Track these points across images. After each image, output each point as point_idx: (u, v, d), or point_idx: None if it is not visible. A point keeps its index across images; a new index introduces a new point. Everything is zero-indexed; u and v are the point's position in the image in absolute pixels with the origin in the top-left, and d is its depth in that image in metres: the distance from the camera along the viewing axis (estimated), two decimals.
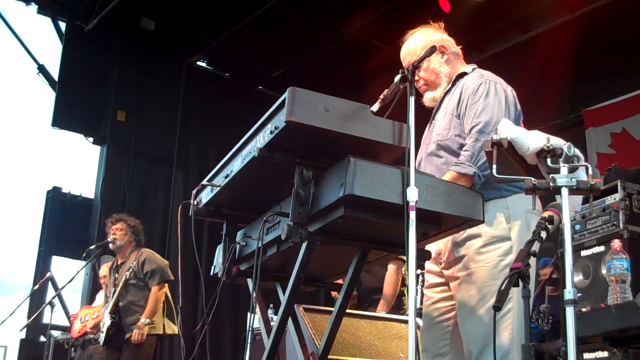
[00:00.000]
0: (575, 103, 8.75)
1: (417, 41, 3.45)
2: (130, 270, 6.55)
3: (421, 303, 3.81)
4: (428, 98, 3.49)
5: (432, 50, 3.01)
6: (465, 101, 3.22)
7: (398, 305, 5.89)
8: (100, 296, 7.47)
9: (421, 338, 3.38)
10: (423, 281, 3.57)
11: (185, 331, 6.37)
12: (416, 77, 3.41)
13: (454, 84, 3.40)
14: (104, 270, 7.37)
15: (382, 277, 5.95)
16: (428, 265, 3.37)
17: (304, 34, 9.73)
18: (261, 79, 11.09)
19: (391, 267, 5.89)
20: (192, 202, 3.51)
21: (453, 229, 2.88)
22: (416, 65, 2.89)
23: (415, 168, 2.60)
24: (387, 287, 5.89)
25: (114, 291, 6.58)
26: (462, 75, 3.39)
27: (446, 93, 3.42)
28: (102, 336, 6.56)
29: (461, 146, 3.17)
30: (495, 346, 2.67)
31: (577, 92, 8.73)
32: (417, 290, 4.06)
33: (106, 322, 6.54)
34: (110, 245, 6.90)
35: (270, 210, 2.99)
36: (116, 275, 6.71)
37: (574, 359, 2.28)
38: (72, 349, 7.30)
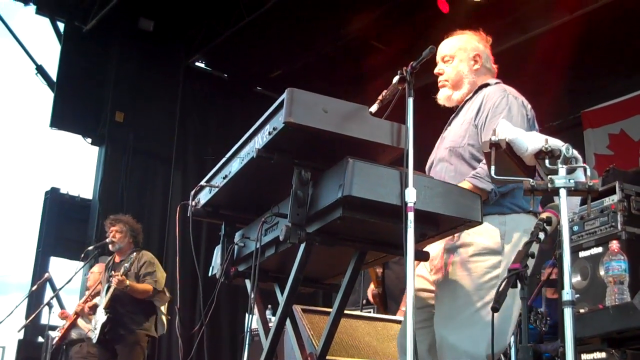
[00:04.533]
0: (574, 104, 8.76)
1: (457, 41, 3.45)
2: (127, 268, 6.48)
3: None
4: (443, 96, 3.45)
5: (430, 50, 2.99)
6: (486, 113, 3.17)
7: None
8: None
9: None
10: None
11: (183, 332, 6.35)
12: (440, 70, 3.44)
13: (475, 93, 3.36)
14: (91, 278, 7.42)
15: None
16: (419, 269, 3.32)
17: (303, 34, 9.72)
18: (260, 80, 11.08)
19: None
20: (190, 203, 3.50)
21: (451, 230, 2.87)
22: (415, 67, 2.88)
23: (413, 170, 2.59)
24: None
25: (108, 287, 6.54)
26: (485, 86, 3.36)
27: (466, 102, 3.38)
28: (96, 333, 6.49)
29: (472, 156, 3.15)
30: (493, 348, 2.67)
31: (575, 93, 8.74)
32: None
33: (100, 319, 6.47)
34: (110, 247, 6.90)
35: (269, 211, 2.99)
36: (112, 272, 6.69)
37: None
38: (61, 354, 7.34)
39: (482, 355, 2.91)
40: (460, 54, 3.39)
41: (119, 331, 6.48)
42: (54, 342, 7.26)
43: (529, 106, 3.24)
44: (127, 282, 6.34)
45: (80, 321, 7.19)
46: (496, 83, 3.38)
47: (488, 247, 3.04)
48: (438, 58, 3.46)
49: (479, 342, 2.92)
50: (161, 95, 10.26)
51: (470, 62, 3.42)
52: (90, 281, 7.44)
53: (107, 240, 6.89)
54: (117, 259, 6.90)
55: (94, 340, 6.53)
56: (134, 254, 6.73)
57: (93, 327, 6.60)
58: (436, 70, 3.46)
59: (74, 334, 7.17)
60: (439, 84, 3.48)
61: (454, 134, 3.30)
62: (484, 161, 3.05)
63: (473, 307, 2.97)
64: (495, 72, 3.50)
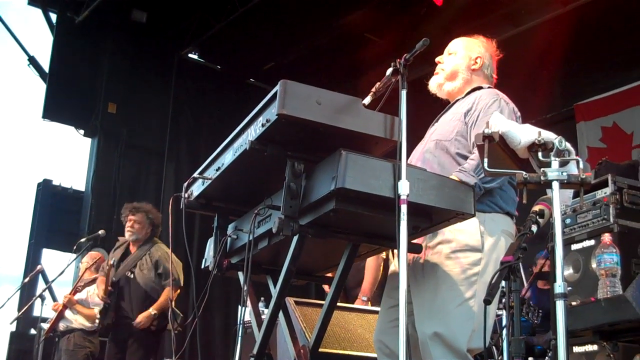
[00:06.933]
0: (567, 97, 8.76)
1: (465, 41, 3.53)
2: (143, 264, 6.40)
3: None
4: (434, 83, 3.51)
5: (424, 43, 2.98)
6: (477, 112, 3.20)
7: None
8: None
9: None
10: None
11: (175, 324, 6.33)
12: (440, 60, 3.52)
13: (468, 94, 3.40)
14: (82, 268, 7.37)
15: (360, 269, 5.81)
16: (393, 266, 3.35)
17: (296, 26, 9.70)
18: (253, 72, 11.06)
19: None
20: (183, 195, 3.50)
21: (444, 222, 2.88)
22: (408, 59, 2.87)
23: (406, 162, 2.59)
24: (367, 272, 5.74)
25: (120, 279, 6.46)
26: (478, 88, 3.40)
27: (457, 100, 3.42)
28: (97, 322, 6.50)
29: (458, 151, 3.17)
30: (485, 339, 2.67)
31: (568, 86, 8.74)
32: None
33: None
34: (127, 236, 6.64)
35: (262, 204, 2.99)
36: (122, 263, 6.61)
37: (564, 352, 2.28)
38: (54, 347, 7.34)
39: (462, 350, 2.93)
40: (464, 52, 3.48)
41: (130, 326, 6.39)
42: (44, 333, 7.23)
43: (519, 113, 3.28)
44: (151, 314, 6.31)
45: (67, 312, 7.16)
46: (488, 87, 3.43)
47: (469, 244, 3.05)
48: (444, 52, 3.54)
49: (459, 337, 2.94)
50: (154, 86, 10.25)
51: (471, 61, 3.48)
52: (81, 272, 7.41)
53: (126, 229, 6.62)
54: (133, 249, 6.66)
55: (99, 323, 6.50)
56: (146, 246, 6.58)
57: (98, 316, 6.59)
58: (437, 59, 3.54)
59: (61, 326, 7.15)
60: (435, 72, 3.52)
61: (443, 128, 3.33)
62: (471, 157, 3.08)
63: (454, 303, 2.97)
64: (494, 82, 3.54)
